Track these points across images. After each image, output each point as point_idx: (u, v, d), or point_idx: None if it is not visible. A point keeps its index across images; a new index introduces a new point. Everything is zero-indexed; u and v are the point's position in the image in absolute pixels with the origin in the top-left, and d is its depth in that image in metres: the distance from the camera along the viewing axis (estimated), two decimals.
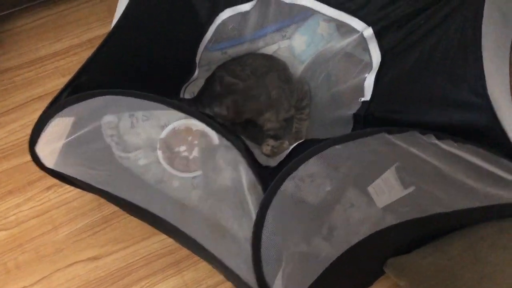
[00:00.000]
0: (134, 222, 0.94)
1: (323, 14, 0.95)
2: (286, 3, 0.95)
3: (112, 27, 0.76)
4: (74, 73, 0.71)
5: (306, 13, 0.98)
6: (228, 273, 0.75)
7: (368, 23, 0.91)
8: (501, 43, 0.83)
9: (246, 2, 0.92)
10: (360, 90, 0.90)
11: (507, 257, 0.75)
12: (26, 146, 0.70)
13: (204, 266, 0.90)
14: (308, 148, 0.83)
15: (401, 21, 0.86)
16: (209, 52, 0.99)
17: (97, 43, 0.73)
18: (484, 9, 0.75)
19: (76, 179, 0.78)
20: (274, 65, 0.99)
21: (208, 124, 0.68)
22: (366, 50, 0.92)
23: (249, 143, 0.96)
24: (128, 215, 0.92)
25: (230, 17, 0.94)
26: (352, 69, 0.94)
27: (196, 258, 0.91)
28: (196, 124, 0.91)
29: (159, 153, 0.93)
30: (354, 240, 0.77)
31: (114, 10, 0.86)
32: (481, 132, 0.70)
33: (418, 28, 0.84)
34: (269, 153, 0.92)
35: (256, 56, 1.02)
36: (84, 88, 0.70)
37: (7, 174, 0.98)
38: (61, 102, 0.68)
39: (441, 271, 0.78)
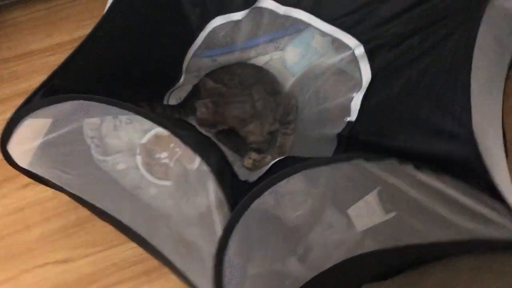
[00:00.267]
0: (108, 227, 0.90)
1: (317, 29, 0.93)
2: (280, 15, 0.93)
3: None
4: None
5: (300, 25, 0.96)
6: None
7: (361, 41, 0.89)
8: (494, 73, 0.80)
9: (238, 11, 0.90)
10: (347, 109, 0.88)
11: None
12: None
13: (175, 278, 0.87)
14: (287, 166, 0.82)
15: (394, 42, 0.84)
16: (198, 58, 0.97)
17: None
18: (478, 36, 0.73)
19: (49, 180, 0.78)
20: (262, 77, 0.97)
21: (175, 135, 0.65)
22: (358, 68, 0.90)
23: (232, 154, 0.95)
24: None
25: (221, 25, 0.92)
26: (341, 87, 0.92)
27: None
28: None
29: (139, 158, 0.92)
30: (329, 263, 0.75)
31: None
32: (463, 164, 0.68)
33: (411, 50, 0.82)
34: (250, 167, 0.90)
35: (246, 66, 1.00)
36: (59, 90, 0.69)
37: None
38: (33, 104, 0.67)
39: None
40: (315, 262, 0.75)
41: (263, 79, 0.96)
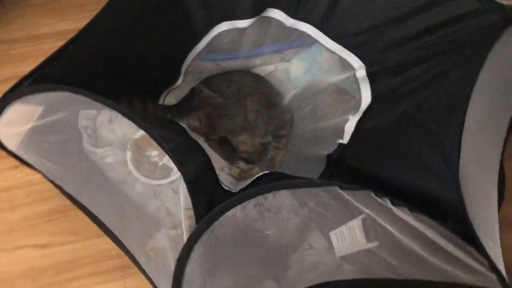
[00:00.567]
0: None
1: (323, 45, 0.92)
2: (287, 27, 0.92)
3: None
4: None
5: (306, 40, 0.94)
6: None
7: (365, 63, 0.88)
8: (496, 114, 0.77)
9: (245, 18, 0.90)
10: (341, 131, 0.86)
11: None
12: None
13: None
14: (271, 180, 0.81)
15: (397, 69, 0.83)
16: (201, 61, 0.97)
17: None
18: (482, 73, 0.71)
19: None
20: (260, 87, 0.96)
21: (153, 138, 0.65)
22: (358, 90, 0.88)
23: (221, 161, 0.94)
24: None
25: (226, 30, 0.92)
26: (339, 107, 0.91)
27: None
28: None
29: (128, 153, 0.92)
30: (302, 285, 0.74)
31: None
32: (445, 206, 0.66)
33: (412, 80, 0.80)
34: (237, 176, 0.89)
35: (246, 74, 0.99)
36: (49, 79, 0.69)
37: None
38: (20, 90, 0.67)
39: None
40: (289, 281, 0.74)
41: (261, 90, 0.95)
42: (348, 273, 0.74)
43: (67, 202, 0.93)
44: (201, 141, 0.92)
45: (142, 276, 0.89)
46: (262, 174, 0.83)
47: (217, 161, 0.94)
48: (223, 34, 0.92)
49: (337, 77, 0.94)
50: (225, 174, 0.93)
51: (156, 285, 0.72)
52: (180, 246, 0.58)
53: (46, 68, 0.69)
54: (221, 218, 0.61)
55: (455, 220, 0.64)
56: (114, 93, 0.79)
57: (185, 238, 0.64)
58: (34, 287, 0.89)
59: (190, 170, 0.66)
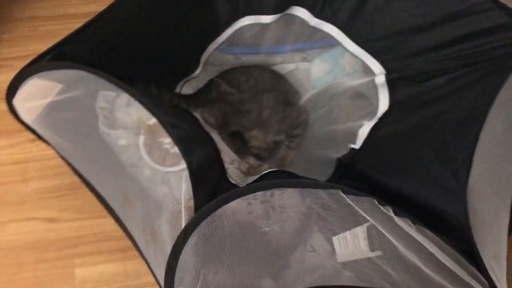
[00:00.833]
0: None
1: (344, 47, 0.91)
2: (310, 26, 0.92)
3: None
4: None
5: (329, 41, 0.93)
6: (155, 279, 0.74)
7: (386, 69, 0.86)
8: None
9: (268, 14, 0.89)
10: (354, 135, 0.85)
11: None
12: None
13: None
14: (277, 178, 0.81)
15: (418, 78, 0.81)
16: (222, 53, 0.97)
17: None
18: (502, 90, 0.68)
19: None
20: (278, 85, 0.96)
21: (162, 125, 0.65)
22: (377, 96, 0.87)
23: (232, 155, 0.94)
24: None
25: (249, 24, 0.91)
26: (355, 111, 0.89)
27: None
28: None
29: (141, 138, 0.93)
30: (300, 285, 0.74)
31: None
32: (450, 221, 0.64)
33: (433, 90, 0.78)
34: (245, 171, 0.89)
35: (265, 71, 0.98)
36: (68, 56, 0.71)
37: (1, 116, 1.00)
38: (39, 65, 0.68)
39: None
40: (287, 281, 0.73)
41: (278, 88, 0.95)
42: (347, 279, 0.73)
43: (77, 180, 0.95)
44: (214, 134, 0.93)
45: (142, 260, 0.90)
46: (270, 171, 0.83)
47: (228, 155, 0.94)
48: (246, 28, 0.92)
49: (357, 81, 0.92)
50: (235, 168, 0.93)
51: (153, 269, 0.73)
52: (173, 232, 0.59)
53: (66, 46, 0.70)
54: (219, 210, 0.61)
55: (459, 236, 0.63)
56: (131, 77, 0.80)
57: (182, 225, 0.65)
58: (38, 259, 0.91)
59: (195, 160, 0.66)
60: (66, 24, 1.11)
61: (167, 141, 0.97)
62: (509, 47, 0.72)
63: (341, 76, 0.98)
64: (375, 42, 0.86)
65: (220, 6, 0.87)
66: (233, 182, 0.83)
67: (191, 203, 0.64)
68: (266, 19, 0.90)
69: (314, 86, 1.01)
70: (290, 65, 1.03)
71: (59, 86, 0.76)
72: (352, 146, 0.85)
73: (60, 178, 0.97)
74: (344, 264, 0.73)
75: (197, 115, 0.90)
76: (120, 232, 0.90)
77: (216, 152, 0.83)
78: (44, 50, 0.70)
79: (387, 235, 0.64)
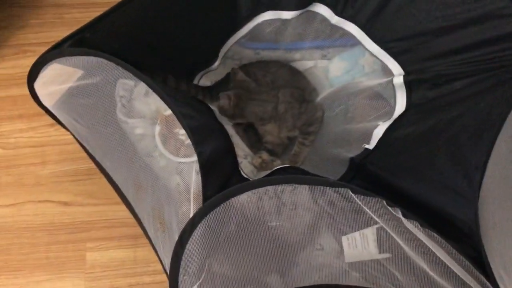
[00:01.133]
0: None
1: (364, 47, 0.90)
2: (331, 24, 0.91)
3: None
4: None
5: (349, 40, 0.93)
6: (163, 267, 0.75)
7: (405, 70, 0.85)
8: None
9: (290, 10, 0.89)
10: (368, 136, 0.85)
11: None
12: None
13: None
14: (287, 175, 0.81)
15: (437, 80, 0.80)
16: (242, 47, 0.97)
17: None
18: None
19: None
20: (295, 82, 0.95)
21: (176, 115, 0.65)
22: (394, 97, 0.86)
23: (246, 149, 0.94)
24: None
25: (270, 20, 0.91)
26: (371, 111, 0.89)
27: None
28: None
29: (157, 128, 0.94)
30: (306, 282, 0.74)
31: None
32: (460, 226, 0.63)
33: (451, 94, 0.77)
34: (258, 166, 0.89)
35: (283, 67, 0.98)
36: (87, 43, 0.72)
37: (23, 99, 1.04)
38: (59, 51, 0.70)
39: None
40: (294, 278, 0.73)
41: (295, 84, 0.94)
42: (353, 279, 0.73)
43: (93, 166, 0.97)
44: (229, 127, 0.93)
45: (152, 248, 0.91)
46: (281, 167, 0.83)
47: (242, 149, 0.94)
48: (266, 23, 0.92)
49: (375, 81, 0.91)
50: (248, 162, 0.93)
51: (160, 257, 0.74)
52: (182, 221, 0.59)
53: (86, 33, 0.71)
54: (227, 203, 0.61)
55: (469, 243, 0.62)
56: (149, 67, 0.81)
57: (190, 214, 0.65)
58: (51, 241, 0.94)
59: (207, 151, 0.66)
60: (91, 12, 1.13)
61: (182, 132, 0.98)
62: None
63: (359, 75, 0.97)
64: (395, 42, 0.85)
65: (242, 0, 0.88)
66: (245, 176, 0.84)
67: (200, 194, 0.64)
68: (287, 15, 0.90)
69: (332, 84, 1.00)
70: (309, 62, 1.02)
71: (79, 73, 0.78)
72: (366, 146, 0.84)
73: (77, 163, 0.99)
74: (352, 264, 0.73)
75: (213, 107, 0.90)
76: (132, 219, 0.92)
77: (230, 145, 0.83)
78: (65, 36, 0.72)
79: (394, 236, 0.63)
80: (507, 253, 0.63)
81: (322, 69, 1.03)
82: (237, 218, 0.65)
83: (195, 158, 0.92)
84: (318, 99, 0.96)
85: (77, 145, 0.87)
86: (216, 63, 0.92)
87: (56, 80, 0.76)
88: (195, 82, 0.93)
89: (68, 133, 0.97)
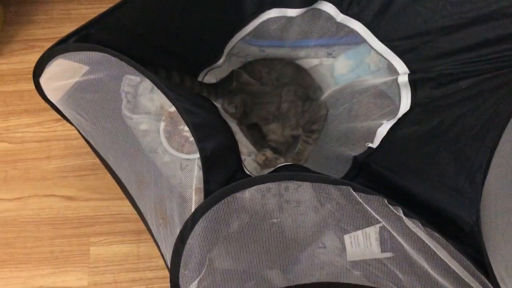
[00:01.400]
0: None
1: (370, 45, 0.90)
2: (337, 22, 0.91)
3: None
4: None
5: (354, 38, 0.92)
6: (165, 262, 0.75)
7: (410, 69, 0.85)
8: None
9: (295, 7, 0.89)
10: (372, 134, 0.84)
11: None
12: None
13: None
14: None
15: (442, 80, 0.79)
16: (247, 45, 0.97)
17: None
18: None
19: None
20: (300, 79, 0.95)
21: (179, 112, 0.66)
22: (399, 96, 0.86)
23: (251, 146, 0.95)
24: None
25: (275, 17, 0.91)
26: (375, 110, 0.88)
27: None
28: None
29: (162, 124, 0.94)
30: (308, 280, 0.74)
31: None
32: (461, 226, 0.63)
33: (456, 93, 0.77)
34: (261, 163, 0.89)
35: (288, 64, 0.98)
36: (92, 39, 0.72)
37: (30, 94, 1.05)
38: (63, 46, 0.70)
39: None
40: (296, 275, 0.73)
41: (300, 82, 0.94)
42: (355, 278, 0.73)
43: (98, 161, 0.98)
44: (233, 125, 0.93)
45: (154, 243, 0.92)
46: (284, 165, 0.83)
47: (246, 146, 0.94)
48: (272, 20, 0.91)
49: (380, 80, 0.91)
50: (251, 159, 0.93)
51: (162, 252, 0.74)
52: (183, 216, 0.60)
53: (91, 29, 0.71)
54: (229, 199, 0.61)
55: (470, 243, 0.62)
56: (154, 63, 0.81)
57: (192, 209, 0.66)
58: (56, 235, 0.95)
59: (209, 147, 0.66)
60: (98, 8, 1.13)
61: (187, 129, 0.98)
62: None
63: (365, 74, 0.97)
64: (400, 41, 0.85)
65: None
66: (248, 173, 0.84)
67: (202, 189, 0.65)
68: (292, 12, 0.90)
69: (337, 82, 1.00)
70: (314, 60, 1.02)
71: (84, 68, 0.78)
72: (370, 145, 0.84)
73: (82, 158, 1.00)
74: (353, 263, 0.73)
75: (217, 104, 0.91)
76: (136, 215, 0.92)
77: (234, 142, 0.83)
78: (70, 32, 0.72)
79: (395, 235, 0.63)
80: (509, 254, 0.63)
81: (327, 67, 1.02)
82: (239, 214, 0.65)
83: (198, 154, 0.93)
84: (323, 97, 0.96)
85: (82, 140, 0.88)
86: (221, 60, 0.92)
87: (61, 75, 0.77)
88: (200, 78, 0.93)
89: (73, 128, 0.98)
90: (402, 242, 0.63)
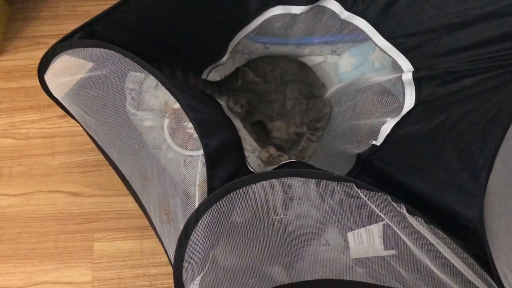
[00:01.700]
0: None
1: (374, 43, 0.90)
2: (341, 19, 0.91)
3: None
4: None
5: (358, 35, 0.92)
6: (168, 258, 0.75)
7: (415, 67, 0.85)
8: None
9: (300, 5, 0.88)
10: (376, 132, 0.84)
11: None
12: None
13: None
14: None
15: (447, 77, 0.79)
16: (251, 42, 0.97)
17: None
18: None
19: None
20: (304, 77, 0.95)
21: (183, 108, 0.66)
22: (403, 93, 0.86)
23: (253, 143, 0.95)
24: None
25: (279, 14, 0.91)
26: (379, 107, 0.88)
27: None
28: None
29: (166, 121, 0.94)
30: (310, 277, 0.74)
31: None
32: (465, 223, 0.63)
33: (460, 91, 0.76)
34: (265, 160, 0.89)
35: (292, 62, 0.98)
36: (97, 36, 0.73)
37: (35, 91, 1.06)
38: (69, 42, 0.70)
39: None
40: (299, 272, 0.74)
41: (304, 80, 0.94)
42: (358, 276, 0.73)
43: (102, 157, 0.98)
44: (237, 122, 0.93)
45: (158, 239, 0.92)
46: (288, 162, 0.83)
47: (250, 143, 0.94)
48: (276, 17, 0.91)
49: (384, 77, 0.91)
50: (255, 156, 0.94)
51: (166, 248, 0.74)
52: (186, 212, 0.60)
53: (96, 25, 0.72)
54: (232, 195, 0.61)
55: (474, 241, 0.61)
56: (158, 60, 0.81)
57: (196, 205, 0.66)
58: (61, 231, 0.95)
59: (213, 144, 0.67)
60: (103, 5, 1.14)
61: (191, 125, 0.99)
62: None
63: (369, 71, 0.96)
64: (405, 38, 0.85)
65: None
66: (252, 170, 0.84)
67: (206, 186, 0.65)
68: (297, 9, 0.90)
69: (341, 80, 1.00)
70: (318, 57, 1.02)
71: (88, 65, 0.79)
72: (373, 142, 0.84)
73: (87, 155, 1.00)
74: (357, 261, 0.73)
75: (221, 101, 0.91)
76: (139, 211, 0.93)
77: (237, 139, 0.83)
78: (75, 28, 0.73)
79: (398, 232, 0.63)
80: None
81: (331, 64, 1.02)
82: (242, 210, 0.65)
83: (202, 151, 0.93)
84: (327, 94, 0.96)
85: (87, 137, 0.89)
86: (225, 57, 0.92)
87: (66, 72, 0.77)
88: (204, 76, 0.94)
89: (78, 124, 0.98)
90: (405, 240, 0.63)
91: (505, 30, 0.71)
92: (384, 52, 0.89)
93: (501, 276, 0.59)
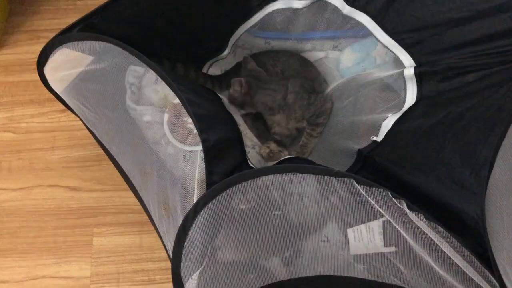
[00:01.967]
0: None
1: (376, 38, 0.89)
2: (343, 14, 0.90)
3: None
4: None
5: (360, 31, 0.91)
6: (167, 253, 0.75)
7: (417, 62, 0.84)
8: None
9: None
10: (377, 128, 0.84)
11: None
12: None
13: None
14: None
15: (449, 72, 0.78)
16: (252, 37, 0.97)
17: None
18: None
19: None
20: (305, 72, 0.95)
21: (182, 102, 0.66)
22: (404, 89, 0.85)
23: (253, 138, 0.94)
24: None
25: (281, 9, 0.91)
26: (380, 103, 0.88)
27: None
28: None
29: (166, 116, 0.94)
30: (310, 273, 0.73)
31: None
32: (466, 220, 0.62)
33: (462, 87, 0.76)
34: (265, 156, 0.89)
35: (293, 57, 0.98)
36: (96, 29, 0.72)
37: (35, 85, 1.06)
38: (68, 35, 0.70)
39: None
40: (298, 267, 0.73)
41: (305, 74, 0.94)
42: (357, 272, 0.73)
43: (102, 152, 0.98)
44: (237, 117, 0.93)
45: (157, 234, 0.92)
46: (288, 158, 0.83)
47: (250, 138, 0.94)
48: (277, 12, 0.91)
49: (385, 73, 0.90)
50: (255, 152, 0.93)
51: (164, 243, 0.74)
52: (185, 208, 0.59)
53: (95, 18, 0.71)
54: (231, 190, 0.61)
55: (475, 238, 0.61)
56: (159, 54, 0.81)
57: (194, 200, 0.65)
58: (60, 225, 0.95)
59: (212, 139, 0.66)
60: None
61: (190, 120, 0.98)
62: None
63: (370, 67, 0.96)
64: (407, 34, 0.84)
65: None
66: (252, 165, 0.84)
67: (205, 181, 0.64)
68: (298, 4, 0.89)
69: (342, 75, 0.99)
70: (320, 52, 1.01)
71: (88, 58, 0.78)
72: (374, 138, 0.84)
73: (86, 149, 1.00)
74: (356, 257, 0.73)
75: (222, 96, 0.90)
76: (139, 206, 0.93)
77: (238, 134, 0.83)
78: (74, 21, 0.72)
79: (398, 228, 0.63)
80: None
81: (333, 60, 1.02)
82: (241, 206, 0.65)
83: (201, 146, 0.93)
84: (328, 90, 0.95)
85: (86, 131, 0.88)
86: (226, 52, 0.92)
87: (66, 65, 0.77)
88: (204, 70, 0.93)
89: (78, 119, 0.98)
90: (406, 236, 0.62)
91: (508, 25, 0.71)
92: (386, 47, 0.88)
93: (502, 273, 0.58)
